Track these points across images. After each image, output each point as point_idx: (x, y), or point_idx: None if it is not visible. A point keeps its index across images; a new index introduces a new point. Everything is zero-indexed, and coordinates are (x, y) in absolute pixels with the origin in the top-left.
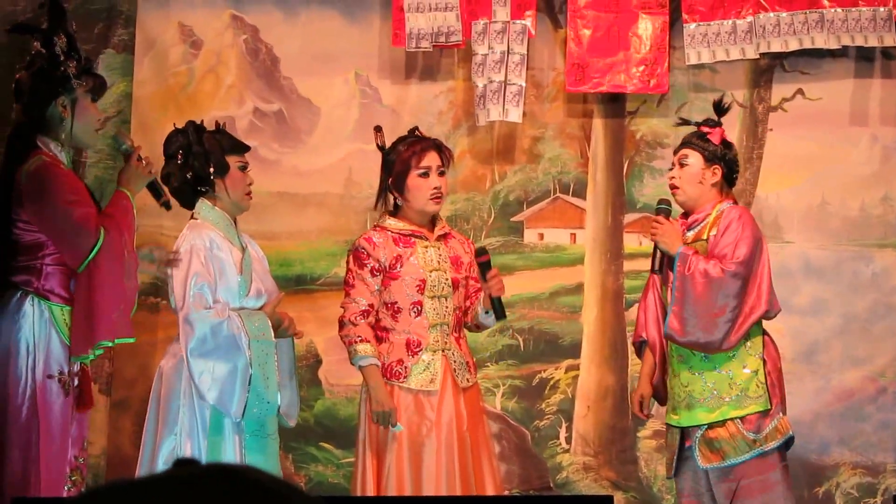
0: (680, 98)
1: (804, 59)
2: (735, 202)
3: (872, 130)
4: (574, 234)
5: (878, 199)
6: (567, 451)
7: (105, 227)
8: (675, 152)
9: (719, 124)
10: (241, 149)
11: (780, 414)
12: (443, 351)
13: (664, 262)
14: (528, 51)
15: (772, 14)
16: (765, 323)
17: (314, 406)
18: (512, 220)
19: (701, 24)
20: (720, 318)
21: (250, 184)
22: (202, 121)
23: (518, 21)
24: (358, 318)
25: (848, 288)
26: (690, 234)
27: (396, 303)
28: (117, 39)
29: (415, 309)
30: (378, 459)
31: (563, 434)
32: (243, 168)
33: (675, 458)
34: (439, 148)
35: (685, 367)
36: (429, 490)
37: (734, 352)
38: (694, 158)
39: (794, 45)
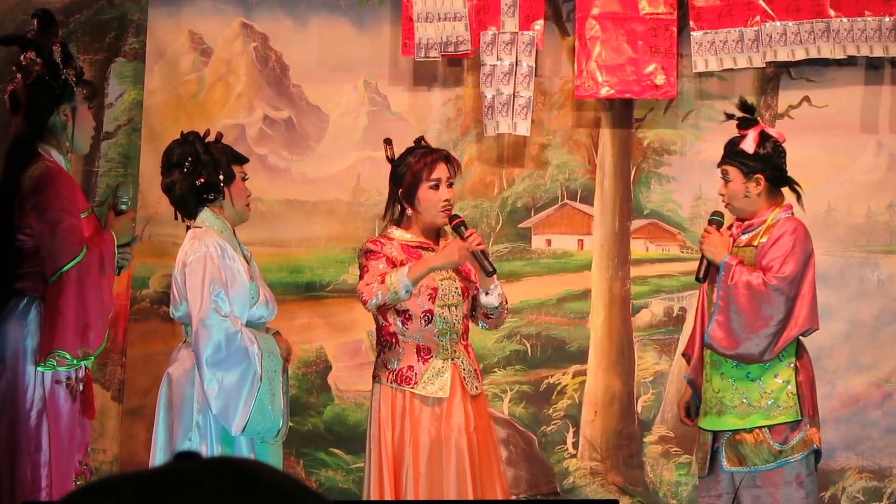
0: (687, 105)
1: (810, 66)
2: (791, 210)
3: (879, 137)
4: (581, 241)
5: (884, 206)
6: (574, 455)
7: (88, 245)
8: (719, 165)
9: (754, 123)
10: (242, 160)
11: (808, 426)
12: (452, 359)
13: (709, 271)
14: (535, 60)
15: (778, 23)
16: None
17: (324, 412)
18: (520, 226)
19: (708, 32)
20: (763, 330)
21: (249, 195)
22: (207, 131)
23: (526, 32)
24: (372, 281)
25: (854, 294)
26: (745, 238)
27: (408, 310)
28: (128, 48)
29: (425, 317)
30: (396, 464)
31: (570, 439)
32: (244, 179)
33: (707, 458)
34: (448, 159)
35: (717, 373)
36: (442, 495)
37: (768, 362)
38: (734, 174)
39: (800, 55)
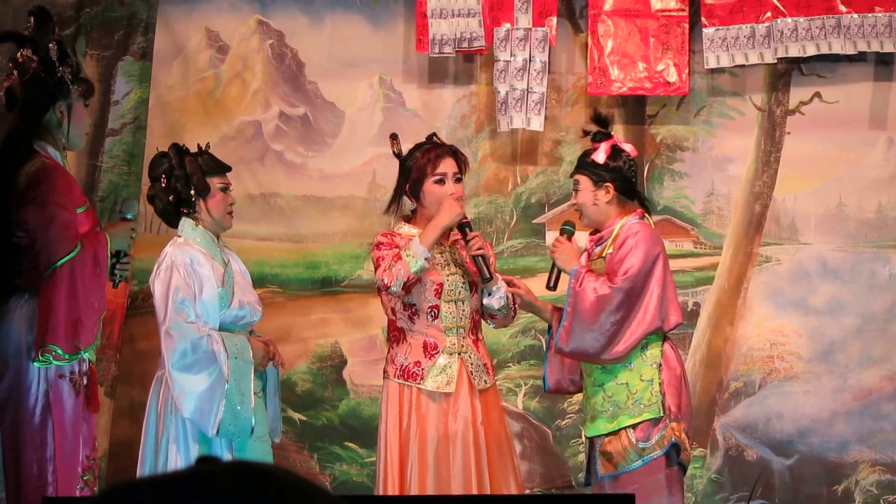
0: (699, 101)
1: (821, 62)
2: (642, 215)
3: (889, 133)
4: None
5: (894, 201)
6: None
7: (83, 242)
8: (570, 176)
9: (607, 137)
10: (223, 170)
11: (669, 421)
12: (459, 353)
13: (559, 280)
14: (549, 56)
15: (790, 19)
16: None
17: (339, 406)
18: (534, 222)
19: (720, 28)
20: (605, 330)
21: (232, 203)
22: (198, 145)
23: (539, 28)
24: (391, 263)
25: (865, 288)
26: (597, 251)
27: (414, 305)
28: (136, 47)
29: (431, 312)
30: (401, 458)
31: (584, 433)
32: (224, 189)
33: (586, 467)
34: (455, 154)
35: (590, 380)
36: (449, 489)
37: (632, 362)
38: (584, 183)
39: (811, 51)
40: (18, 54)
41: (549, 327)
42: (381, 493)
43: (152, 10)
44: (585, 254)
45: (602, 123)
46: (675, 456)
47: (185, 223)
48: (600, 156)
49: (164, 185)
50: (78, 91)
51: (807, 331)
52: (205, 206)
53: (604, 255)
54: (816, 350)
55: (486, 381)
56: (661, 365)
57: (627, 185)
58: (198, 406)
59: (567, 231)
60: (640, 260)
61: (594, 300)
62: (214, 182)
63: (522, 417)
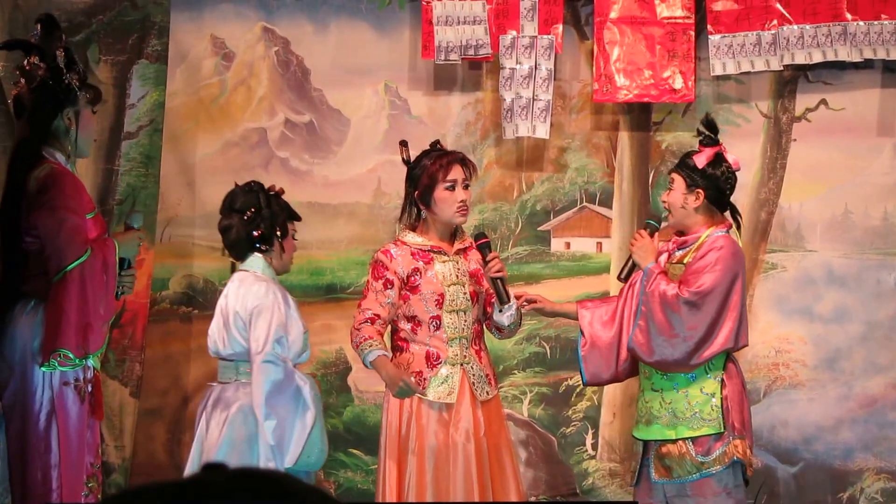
0: (705, 108)
1: (827, 69)
2: (729, 228)
3: (895, 140)
4: (600, 244)
5: None
6: (593, 457)
7: (92, 247)
8: (668, 172)
9: (713, 143)
10: (297, 217)
11: (732, 438)
12: (462, 364)
13: (631, 273)
14: (554, 64)
15: (796, 27)
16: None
17: (343, 413)
18: (539, 229)
19: (726, 35)
20: (675, 339)
21: (295, 250)
22: (272, 186)
23: (545, 36)
24: (362, 325)
25: (870, 296)
26: (678, 255)
27: (416, 316)
28: (151, 50)
29: (434, 323)
30: (399, 466)
31: (589, 441)
32: (294, 236)
33: (637, 468)
34: (463, 161)
35: (648, 383)
36: (447, 499)
37: (694, 374)
38: (677, 183)
39: (817, 58)
40: (26, 62)
41: (581, 331)
42: (380, 499)
43: (166, 13)
44: (666, 254)
45: (711, 128)
46: (740, 473)
47: (258, 260)
48: (701, 160)
49: (247, 218)
50: (85, 97)
51: (812, 338)
52: (280, 248)
53: (684, 261)
54: (822, 357)
55: (488, 393)
56: (723, 380)
57: (720, 195)
58: (280, 435)
59: (651, 226)
60: (716, 278)
61: (661, 305)
62: (290, 228)
63: (527, 425)
